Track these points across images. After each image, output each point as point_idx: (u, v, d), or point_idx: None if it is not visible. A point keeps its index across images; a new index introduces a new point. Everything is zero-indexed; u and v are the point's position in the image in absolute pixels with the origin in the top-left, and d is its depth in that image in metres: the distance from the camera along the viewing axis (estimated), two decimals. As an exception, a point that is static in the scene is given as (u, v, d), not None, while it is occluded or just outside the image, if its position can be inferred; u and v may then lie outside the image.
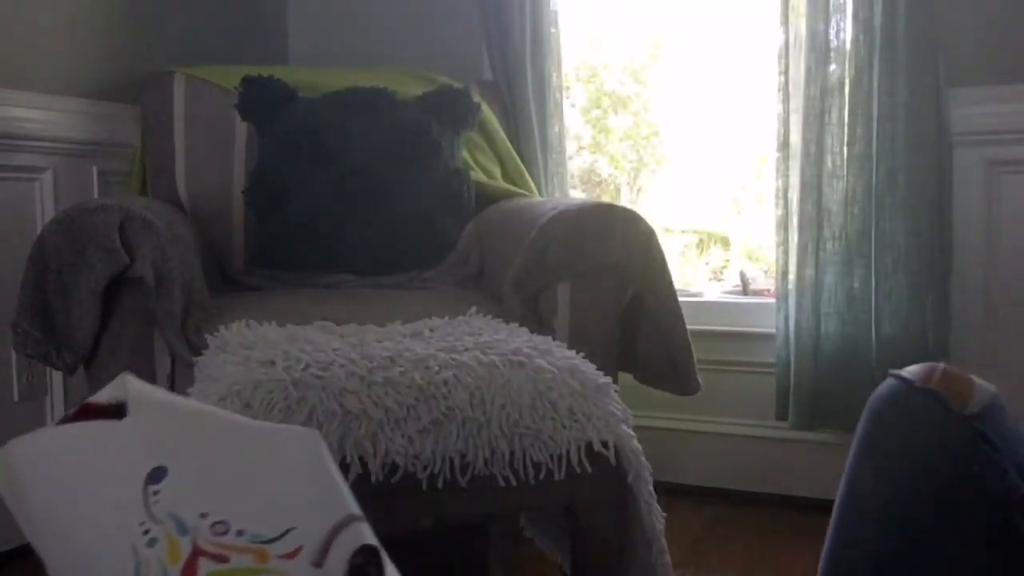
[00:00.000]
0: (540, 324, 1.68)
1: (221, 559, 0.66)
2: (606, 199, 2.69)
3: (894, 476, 0.77)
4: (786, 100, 2.15)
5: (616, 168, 2.91)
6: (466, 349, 1.37)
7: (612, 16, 2.78)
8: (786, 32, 2.15)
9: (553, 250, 1.69)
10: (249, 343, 1.41)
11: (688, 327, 1.76)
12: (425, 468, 1.25)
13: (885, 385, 0.82)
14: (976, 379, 0.79)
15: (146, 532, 0.67)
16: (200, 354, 1.48)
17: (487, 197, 2.16)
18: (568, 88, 2.74)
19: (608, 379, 1.39)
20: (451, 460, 1.26)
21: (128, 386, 0.75)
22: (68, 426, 0.72)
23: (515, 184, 2.27)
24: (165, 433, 0.73)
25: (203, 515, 0.69)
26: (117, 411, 0.73)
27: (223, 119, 2.12)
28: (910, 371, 0.80)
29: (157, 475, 0.71)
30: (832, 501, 0.83)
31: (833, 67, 2.10)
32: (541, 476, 1.29)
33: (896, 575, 0.75)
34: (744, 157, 2.78)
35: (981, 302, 2.11)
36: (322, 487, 0.71)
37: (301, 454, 0.73)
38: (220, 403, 1.22)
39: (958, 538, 0.73)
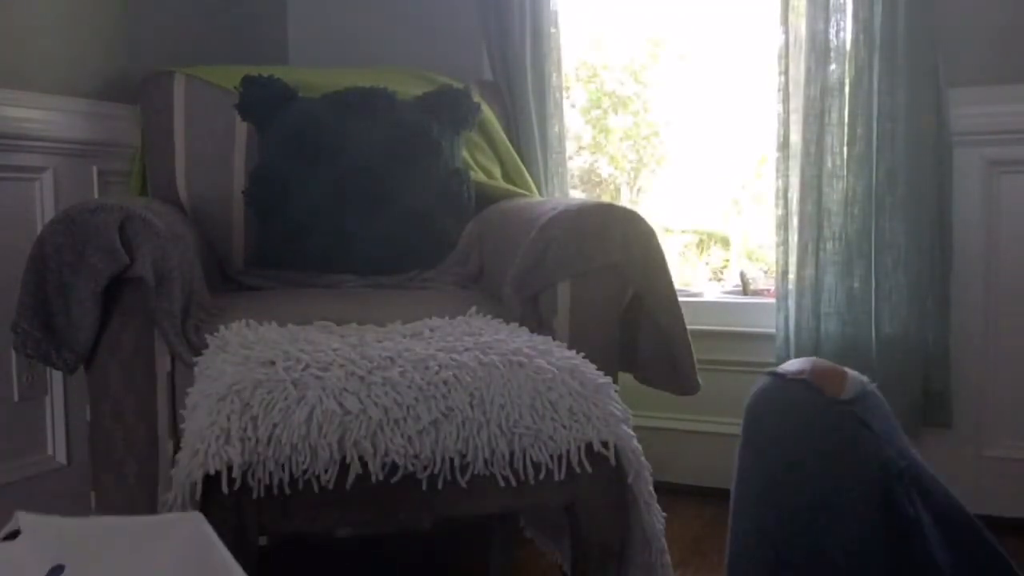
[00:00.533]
0: (540, 324, 1.68)
1: None
2: (606, 199, 2.70)
3: (777, 463, 0.80)
4: (786, 100, 2.15)
5: (616, 168, 2.91)
6: (466, 349, 1.37)
7: (612, 16, 2.78)
8: (786, 32, 2.15)
9: (553, 250, 1.69)
10: (249, 343, 1.42)
11: (688, 327, 1.76)
12: (425, 468, 1.25)
13: (761, 382, 0.85)
14: (847, 370, 0.83)
15: None
16: (200, 354, 1.48)
17: (487, 197, 2.16)
18: (568, 88, 2.74)
19: (608, 379, 1.39)
20: (451, 460, 1.26)
21: (20, 517, 0.83)
22: None
23: (515, 184, 2.27)
24: (61, 540, 0.80)
25: None
26: (11, 536, 0.81)
27: (223, 119, 2.12)
28: (783, 367, 0.84)
29: (55, 571, 0.77)
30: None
31: (833, 67, 2.10)
32: (541, 476, 1.29)
33: (792, 556, 0.77)
34: (744, 157, 2.79)
35: (981, 302, 2.11)
36: (211, 561, 0.75)
37: (189, 534, 0.80)
38: (220, 403, 1.22)
39: (845, 514, 0.76)
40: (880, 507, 0.75)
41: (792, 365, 0.84)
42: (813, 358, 0.84)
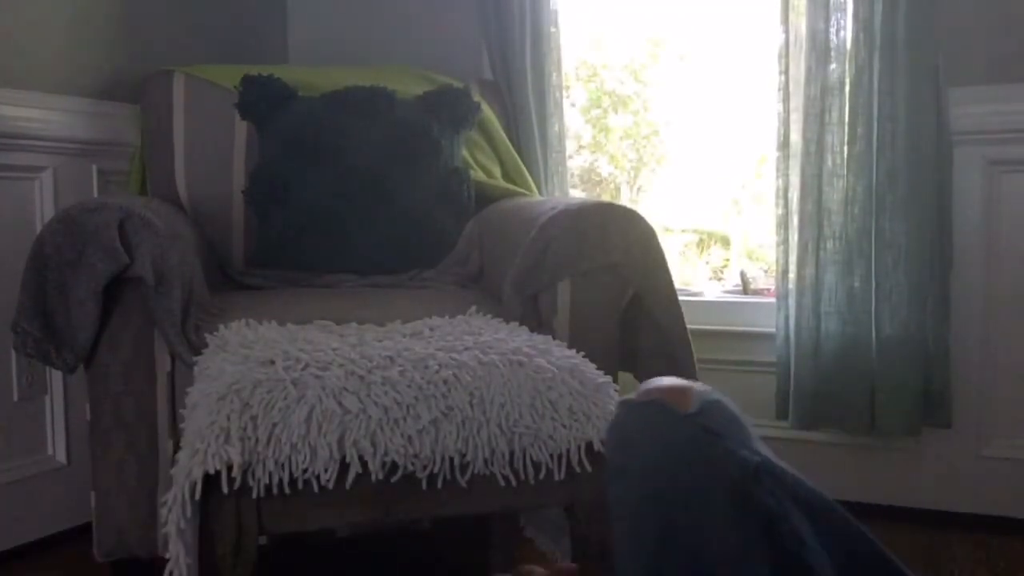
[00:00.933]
0: (540, 324, 1.68)
1: None
2: (606, 199, 2.69)
3: (644, 486, 0.82)
4: (786, 100, 2.15)
5: (616, 168, 2.91)
6: (466, 349, 1.37)
7: (612, 16, 2.78)
8: (786, 32, 2.15)
9: (553, 250, 1.69)
10: (249, 343, 1.42)
11: (688, 327, 1.76)
12: (425, 468, 1.25)
13: (614, 413, 0.87)
14: (692, 384, 0.85)
15: None
16: (200, 353, 1.48)
17: (487, 197, 2.16)
18: (568, 88, 2.74)
19: (608, 379, 1.39)
20: (451, 460, 1.26)
21: None
22: None
23: (515, 183, 2.27)
24: None
25: None
26: None
27: (223, 119, 2.12)
28: (631, 395, 0.86)
29: None
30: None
31: (833, 67, 2.10)
32: (541, 476, 1.29)
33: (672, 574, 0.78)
34: (744, 157, 2.79)
35: (981, 302, 2.11)
36: None
37: None
38: (220, 403, 1.22)
39: (713, 522, 0.77)
40: (746, 509, 0.77)
41: (639, 391, 0.86)
42: (660, 378, 0.87)
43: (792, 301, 2.15)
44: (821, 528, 0.77)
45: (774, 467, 0.79)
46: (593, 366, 1.41)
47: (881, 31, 2.03)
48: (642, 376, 1.82)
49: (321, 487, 1.22)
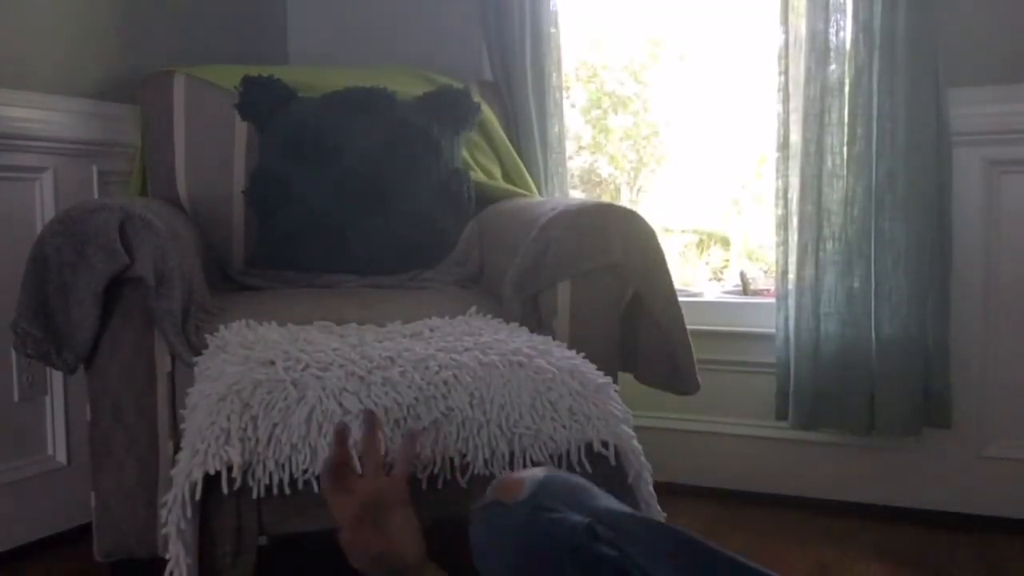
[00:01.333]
0: (540, 324, 1.69)
1: None
2: (606, 199, 2.70)
3: None
4: (786, 100, 2.15)
5: (616, 168, 2.91)
6: (466, 349, 1.38)
7: (612, 16, 2.78)
8: (786, 32, 2.15)
9: (553, 250, 1.69)
10: (249, 343, 1.42)
11: (688, 327, 1.76)
12: (425, 468, 1.25)
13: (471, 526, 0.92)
14: (524, 472, 0.90)
15: None
16: (200, 354, 1.48)
17: (487, 197, 2.16)
18: (568, 88, 2.74)
19: (608, 379, 1.40)
20: (451, 460, 1.26)
21: None
22: None
23: (515, 184, 2.27)
24: None
25: None
26: None
27: (223, 119, 2.12)
28: (480, 500, 0.91)
29: None
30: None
31: (833, 67, 2.10)
32: (541, 476, 1.29)
33: None
34: (744, 157, 2.79)
35: (981, 302, 2.11)
36: None
37: None
38: (220, 403, 1.22)
39: None
40: (591, 568, 0.79)
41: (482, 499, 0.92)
42: (498, 478, 0.92)
43: (792, 302, 2.15)
44: (673, 559, 0.80)
45: (608, 517, 0.82)
46: (593, 367, 1.41)
47: (881, 32, 2.04)
48: (642, 376, 1.83)
49: (321, 488, 1.22)
